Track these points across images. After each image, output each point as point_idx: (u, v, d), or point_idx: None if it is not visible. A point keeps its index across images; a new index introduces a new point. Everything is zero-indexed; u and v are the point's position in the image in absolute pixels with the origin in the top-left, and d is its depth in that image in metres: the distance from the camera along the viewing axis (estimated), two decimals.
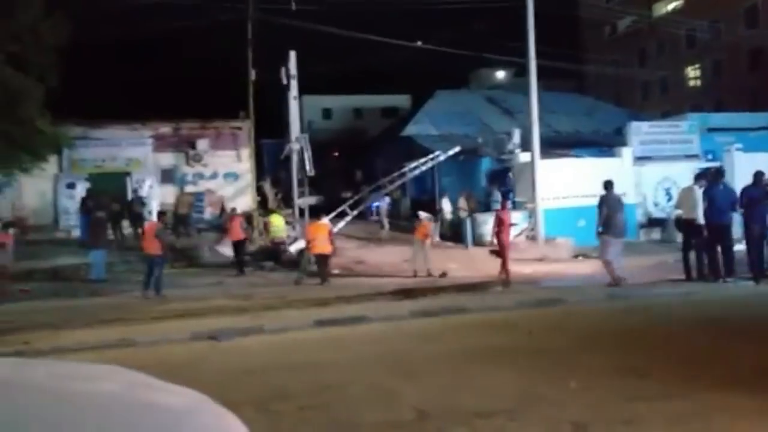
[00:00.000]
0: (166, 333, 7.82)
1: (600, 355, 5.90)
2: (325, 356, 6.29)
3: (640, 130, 20.51)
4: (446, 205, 20.02)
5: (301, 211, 17.49)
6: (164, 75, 27.84)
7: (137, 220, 18.65)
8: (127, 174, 21.56)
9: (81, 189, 20.61)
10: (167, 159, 22.30)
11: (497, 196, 19.97)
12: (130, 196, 20.65)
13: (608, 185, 11.03)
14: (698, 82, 41.49)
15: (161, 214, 14.27)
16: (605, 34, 47.28)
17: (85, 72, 22.16)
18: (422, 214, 15.63)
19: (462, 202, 19.37)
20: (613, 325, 7.58)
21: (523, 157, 19.40)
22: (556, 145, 21.47)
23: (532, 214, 18.35)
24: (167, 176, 22.15)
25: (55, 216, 20.75)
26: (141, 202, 19.47)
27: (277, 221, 16.94)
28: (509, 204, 16.30)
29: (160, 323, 8.82)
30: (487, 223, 17.98)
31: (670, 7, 43.07)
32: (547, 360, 5.76)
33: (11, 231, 13.54)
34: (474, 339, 6.90)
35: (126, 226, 19.10)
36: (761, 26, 35.95)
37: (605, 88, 41.70)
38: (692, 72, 41.85)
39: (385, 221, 20.88)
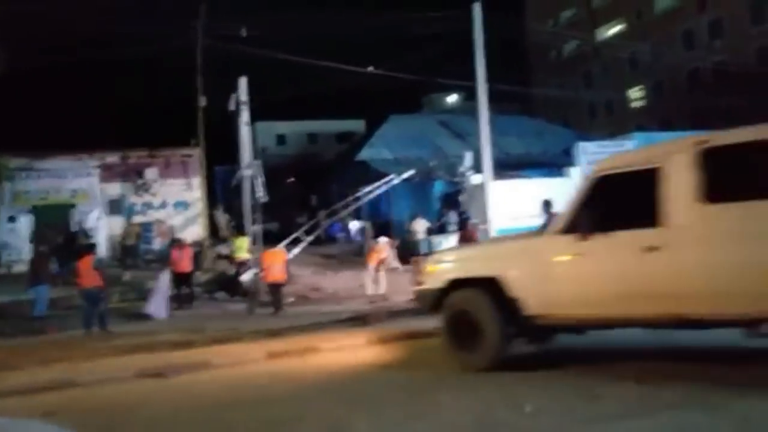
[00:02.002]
0: (111, 371, 7.44)
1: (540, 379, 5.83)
2: (277, 390, 6.07)
3: (587, 150, 21.07)
4: (419, 226, 19.73)
5: (254, 239, 17.16)
6: (111, 103, 27.16)
7: (76, 253, 17.88)
8: (73, 206, 20.79)
9: (24, 222, 19.76)
10: (115, 189, 21.63)
11: (452, 217, 20.09)
12: (74, 228, 19.89)
13: (547, 205, 11.19)
14: (642, 103, 43.17)
15: (92, 246, 13.63)
16: (552, 58, 48.84)
17: (28, 102, 21.43)
18: (381, 239, 15.47)
19: (415, 225, 19.32)
20: None
21: (475, 179, 19.63)
22: (507, 167, 21.82)
23: (485, 235, 18.49)
24: (115, 207, 21.46)
25: None
26: (85, 234, 18.75)
27: (241, 243, 16.58)
28: (471, 222, 16.42)
29: (105, 360, 8.40)
30: (442, 245, 18.04)
31: (613, 31, 44.88)
32: (504, 383, 5.70)
33: None
34: (430, 365, 6.79)
35: (67, 260, 18.32)
36: (697, 48, 37.81)
37: (553, 110, 42.90)
38: (636, 93, 43.55)
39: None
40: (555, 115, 40.63)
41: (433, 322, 7.20)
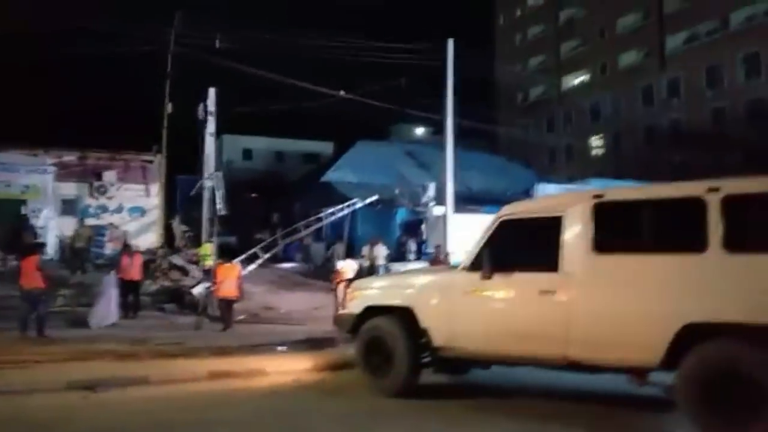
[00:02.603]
0: (39, 381, 7.09)
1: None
2: (215, 413, 5.88)
3: (547, 191, 21.53)
4: (380, 252, 19.62)
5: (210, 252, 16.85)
6: (74, 102, 26.50)
7: (22, 251, 17.23)
8: (24, 202, 20.06)
9: None
10: (69, 189, 21.01)
11: (412, 246, 20.17)
12: (22, 225, 19.15)
13: None
14: (600, 151, 44.54)
15: (41, 245, 13.13)
16: (518, 100, 50.13)
17: None
18: (346, 261, 15.29)
19: (367, 251, 19.16)
20: None
21: (437, 210, 19.82)
22: (468, 201, 22.12)
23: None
24: (68, 207, 20.83)
25: None
26: (33, 232, 18.09)
27: (206, 249, 16.24)
28: (442, 251, 16.52)
29: (35, 369, 8.00)
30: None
31: (578, 80, 46.42)
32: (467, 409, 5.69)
33: None
34: (391, 401, 6.69)
35: (13, 259, 17.60)
36: (655, 105, 39.42)
37: (516, 149, 43.84)
38: (595, 141, 44.94)
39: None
40: (517, 154, 41.55)
41: None
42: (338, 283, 14.05)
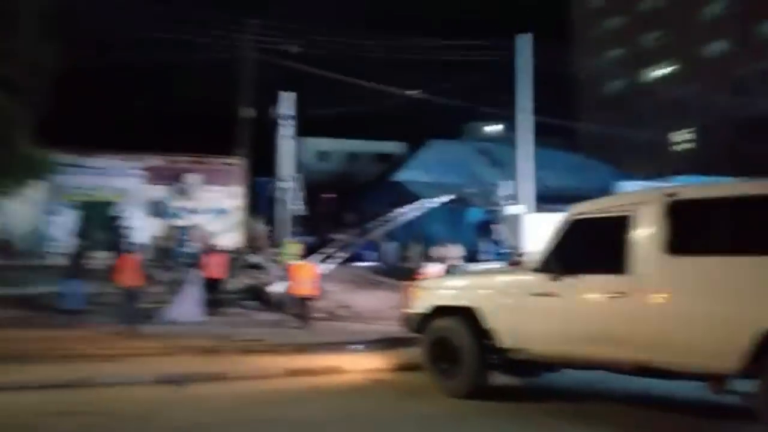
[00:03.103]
0: (130, 373, 7.51)
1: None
2: (293, 411, 6.00)
3: (627, 189, 20.60)
4: (454, 252, 19.48)
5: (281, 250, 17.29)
6: (160, 107, 27.93)
7: (118, 250, 18.38)
8: (116, 204, 21.36)
9: (68, 216, 20.37)
10: (157, 191, 22.13)
11: (484, 246, 19.86)
12: (114, 226, 20.40)
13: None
14: (686, 147, 42.21)
15: (139, 245, 13.92)
16: (596, 94, 48.32)
17: (79, 100, 22.19)
18: (434, 265, 15.14)
19: (440, 251, 18.94)
20: None
21: (511, 209, 19.43)
22: (545, 200, 21.54)
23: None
24: (155, 209, 21.93)
25: (38, 242, 20.38)
26: (126, 233, 19.24)
27: (292, 248, 16.69)
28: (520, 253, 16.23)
29: (127, 362, 8.49)
30: None
31: (661, 72, 44.21)
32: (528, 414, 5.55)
33: None
34: (464, 402, 6.61)
35: (107, 257, 18.80)
36: (746, 96, 36.91)
37: (594, 146, 42.31)
38: (681, 136, 42.63)
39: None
40: (596, 151, 40.07)
41: None
42: None
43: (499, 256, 19.05)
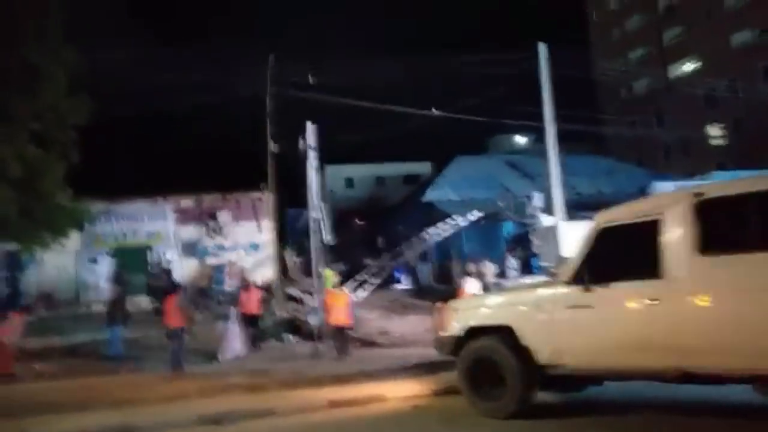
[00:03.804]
0: (172, 416, 7.43)
1: None
2: None
3: (665, 190, 20.06)
4: (488, 269, 19.16)
5: (320, 280, 17.20)
6: (184, 149, 28.51)
7: (158, 294, 18.72)
8: (149, 248, 21.69)
9: (104, 263, 20.73)
10: (188, 232, 22.41)
11: (512, 262, 19.40)
12: (156, 269, 20.70)
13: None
14: (721, 141, 41.11)
15: (177, 285, 14.03)
16: (621, 96, 47.61)
17: (106, 148, 22.73)
18: (469, 280, 14.88)
19: (473, 268, 18.58)
20: None
21: (546, 220, 19.06)
22: (578, 207, 21.10)
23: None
24: (188, 249, 22.20)
25: (76, 291, 20.77)
26: (168, 274, 19.60)
27: (329, 275, 16.69)
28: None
29: (169, 405, 8.42)
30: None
31: (686, 68, 43.39)
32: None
33: (25, 315, 13.33)
34: (509, 423, 6.33)
35: (148, 301, 19.13)
36: None
37: (626, 149, 41.53)
38: (714, 131, 41.56)
39: None
40: (627, 154, 39.33)
41: None
42: None
43: (535, 270, 18.64)
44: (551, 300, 6.28)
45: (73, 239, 19.30)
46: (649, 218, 5.70)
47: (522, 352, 6.31)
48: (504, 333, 6.46)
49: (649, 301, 5.48)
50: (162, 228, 22.00)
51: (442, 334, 7.31)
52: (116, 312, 14.39)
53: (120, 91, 17.87)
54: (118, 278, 17.76)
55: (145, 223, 21.87)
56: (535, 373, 6.30)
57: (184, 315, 12.23)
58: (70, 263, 20.75)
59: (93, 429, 6.89)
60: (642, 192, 22.05)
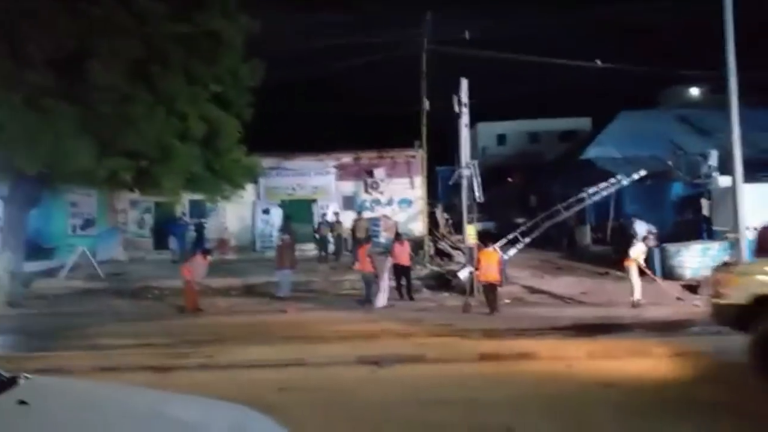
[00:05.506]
0: (335, 354, 8.16)
1: None
2: (487, 395, 6.03)
3: None
4: (640, 228, 18.12)
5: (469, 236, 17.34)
6: (345, 109, 29.76)
7: (324, 242, 20.70)
8: (314, 201, 23.37)
9: (275, 214, 22.76)
10: (348, 187, 23.73)
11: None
12: (317, 221, 22.32)
13: None
14: None
15: (369, 238, 16.78)
16: None
17: (276, 109, 24.49)
18: (639, 244, 14.26)
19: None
20: None
21: (723, 180, 17.29)
22: (763, 167, 18.82)
23: (734, 246, 16.18)
24: (348, 203, 23.54)
25: (252, 238, 23.09)
26: (328, 225, 21.14)
27: (470, 230, 16.99)
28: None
29: (331, 344, 9.23)
30: (680, 254, 16.24)
31: None
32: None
33: (209, 257, 15.13)
34: (662, 387, 6.13)
35: (313, 249, 20.87)
36: None
37: None
38: None
39: None
40: None
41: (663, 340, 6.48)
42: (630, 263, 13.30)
43: (713, 235, 17.12)
44: None
45: (249, 191, 21.41)
46: None
47: None
48: None
49: None
50: (325, 183, 23.54)
51: (720, 301, 6.54)
52: (285, 258, 15.81)
53: (287, 55, 19.14)
54: (286, 227, 19.47)
55: (311, 178, 23.56)
56: None
57: (371, 262, 13.91)
58: (247, 213, 23.07)
59: (267, 361, 7.81)
60: None
